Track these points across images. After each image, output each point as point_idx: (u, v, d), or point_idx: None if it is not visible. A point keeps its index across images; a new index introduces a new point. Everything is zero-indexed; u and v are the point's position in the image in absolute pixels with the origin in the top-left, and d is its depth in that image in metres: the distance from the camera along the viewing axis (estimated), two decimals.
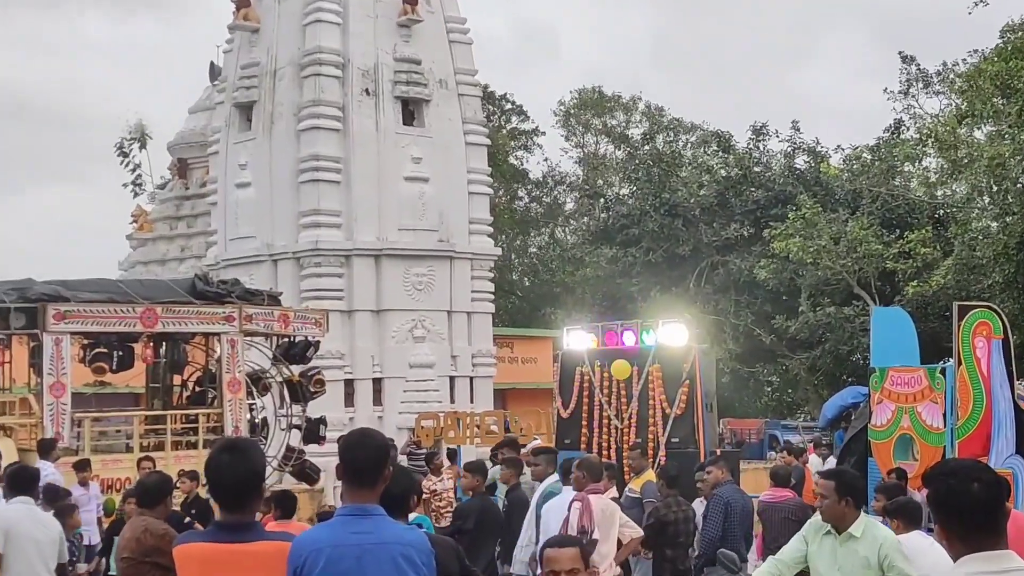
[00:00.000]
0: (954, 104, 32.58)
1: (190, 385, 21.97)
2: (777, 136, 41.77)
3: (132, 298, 19.47)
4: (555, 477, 12.31)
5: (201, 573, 5.33)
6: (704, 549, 12.23)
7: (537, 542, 11.60)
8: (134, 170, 41.00)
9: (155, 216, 36.53)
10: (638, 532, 11.79)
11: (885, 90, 38.13)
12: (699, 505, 13.04)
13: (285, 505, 12.37)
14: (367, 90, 28.87)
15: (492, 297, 31.34)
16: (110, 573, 15.03)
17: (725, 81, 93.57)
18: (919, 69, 37.00)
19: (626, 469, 17.03)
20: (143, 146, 40.48)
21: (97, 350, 19.45)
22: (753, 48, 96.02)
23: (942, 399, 17.47)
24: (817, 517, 7.98)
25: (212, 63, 34.03)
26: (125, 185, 41.15)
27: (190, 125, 36.63)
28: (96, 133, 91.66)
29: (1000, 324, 17.55)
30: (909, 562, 7.55)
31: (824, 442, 26.65)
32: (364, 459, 5.34)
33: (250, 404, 21.21)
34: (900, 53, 37.36)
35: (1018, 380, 20.35)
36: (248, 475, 5.34)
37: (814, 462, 22.20)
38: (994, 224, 28.60)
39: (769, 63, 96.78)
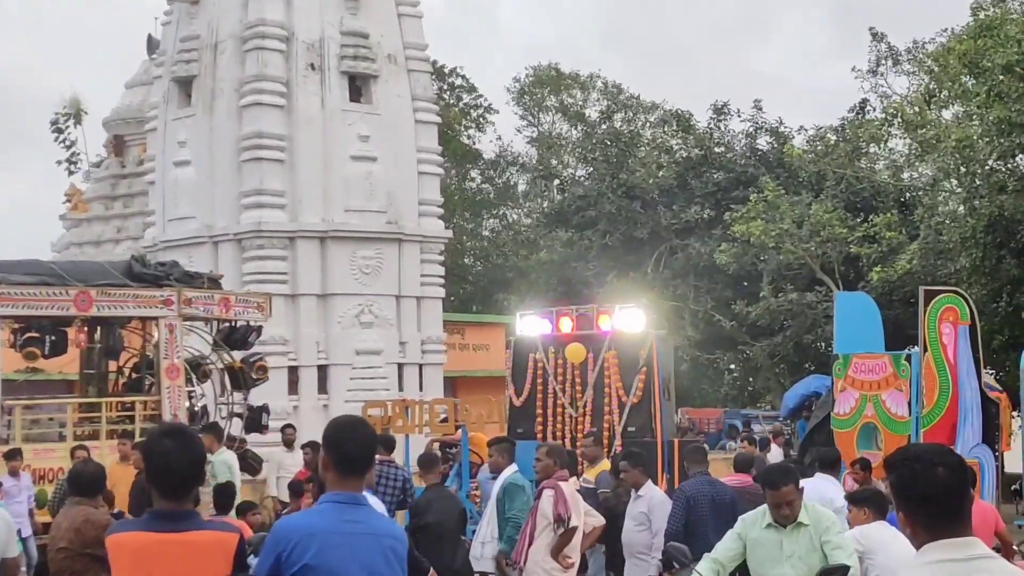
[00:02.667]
0: (922, 83, 32.34)
1: (126, 371, 21.46)
2: (739, 116, 41.45)
3: (65, 280, 18.90)
4: (514, 467, 11.94)
5: (134, 564, 5.16)
6: (665, 546, 11.74)
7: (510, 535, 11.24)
8: (69, 147, 40.31)
9: (90, 196, 35.92)
10: (600, 520, 11.55)
11: (853, 68, 37.78)
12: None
13: (223, 500, 11.84)
14: (312, 65, 28.26)
15: (443, 281, 30.80)
16: None
17: (681, 59, 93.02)
18: (889, 47, 36.62)
19: (580, 459, 16.81)
20: (78, 122, 39.71)
21: (28, 335, 18.90)
22: (710, 24, 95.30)
23: (907, 387, 17.53)
24: (751, 513, 8.36)
25: (150, 36, 33.41)
26: (59, 163, 40.57)
27: (127, 101, 35.97)
28: (26, 110, 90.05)
29: (967, 310, 17.52)
30: (843, 535, 8.03)
31: (786, 433, 26.33)
32: (358, 450, 5.32)
33: (189, 391, 20.73)
34: (870, 30, 36.96)
35: (985, 368, 20.07)
36: (193, 462, 5.25)
37: (776, 454, 21.92)
38: (961, 208, 28.36)
39: (728, 40, 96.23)
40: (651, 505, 11.79)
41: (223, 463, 15.62)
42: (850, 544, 8.12)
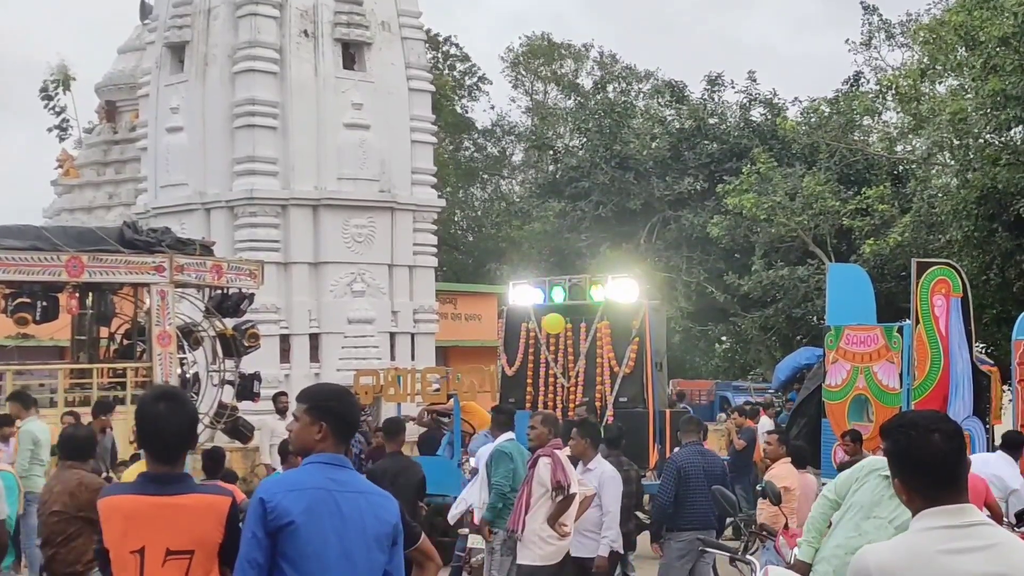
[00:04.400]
0: (916, 56, 32.26)
1: (118, 338, 21.47)
2: (733, 87, 41.31)
3: (57, 246, 18.94)
4: (509, 435, 11.92)
5: (126, 526, 5.16)
6: (655, 516, 12.02)
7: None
8: (59, 114, 40.37)
9: (82, 162, 35.72)
10: (590, 489, 11.40)
11: (846, 40, 37.64)
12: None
13: (212, 465, 11.80)
14: (306, 32, 28.03)
15: (435, 251, 30.64)
16: None
17: (668, 28, 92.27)
18: (881, 19, 36.53)
19: None
20: (67, 88, 39.62)
21: (20, 300, 18.82)
22: None
23: (899, 359, 17.49)
24: (873, 458, 8.21)
25: (143, 1, 33.12)
26: (50, 129, 40.58)
27: (119, 66, 35.75)
28: (20, 75, 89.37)
29: (960, 282, 17.49)
30: None
31: (776, 404, 26.36)
32: (353, 416, 5.44)
33: (181, 358, 20.75)
34: (862, 2, 36.80)
35: (976, 341, 20.09)
36: (186, 425, 5.30)
37: (765, 424, 21.94)
38: (954, 180, 28.34)
39: (715, 9, 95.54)
40: (602, 480, 11.36)
41: (27, 432, 14.68)
42: None
